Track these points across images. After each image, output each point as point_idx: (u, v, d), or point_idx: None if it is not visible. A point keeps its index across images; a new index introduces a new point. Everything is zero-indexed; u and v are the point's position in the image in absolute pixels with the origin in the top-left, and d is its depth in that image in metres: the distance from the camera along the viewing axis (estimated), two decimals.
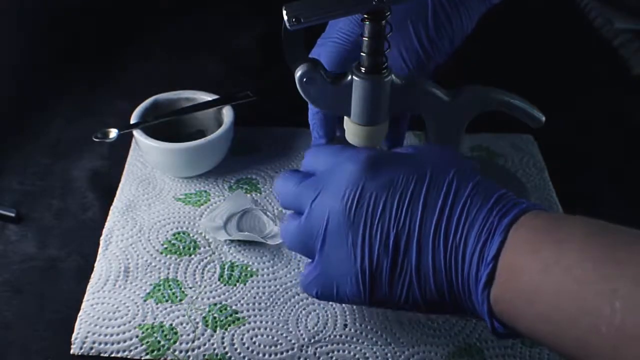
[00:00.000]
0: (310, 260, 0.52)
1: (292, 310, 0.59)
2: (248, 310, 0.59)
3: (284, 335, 0.57)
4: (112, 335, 0.57)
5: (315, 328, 0.58)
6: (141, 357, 0.56)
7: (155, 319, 0.58)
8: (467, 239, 0.45)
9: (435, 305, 0.48)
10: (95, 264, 0.62)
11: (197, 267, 0.62)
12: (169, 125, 0.71)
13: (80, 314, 0.58)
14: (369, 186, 0.48)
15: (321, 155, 0.53)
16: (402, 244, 0.47)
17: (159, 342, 0.56)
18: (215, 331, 0.57)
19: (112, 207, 0.68)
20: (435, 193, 0.47)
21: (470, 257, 0.44)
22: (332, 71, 0.58)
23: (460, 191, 0.46)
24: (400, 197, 0.47)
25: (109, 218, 0.67)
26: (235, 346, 0.56)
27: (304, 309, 0.59)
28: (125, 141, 0.74)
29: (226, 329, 0.57)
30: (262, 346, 0.56)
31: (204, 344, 0.56)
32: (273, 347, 0.56)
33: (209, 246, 0.64)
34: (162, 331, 0.57)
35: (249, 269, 0.62)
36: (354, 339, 0.57)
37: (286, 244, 0.53)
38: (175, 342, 0.56)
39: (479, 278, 0.44)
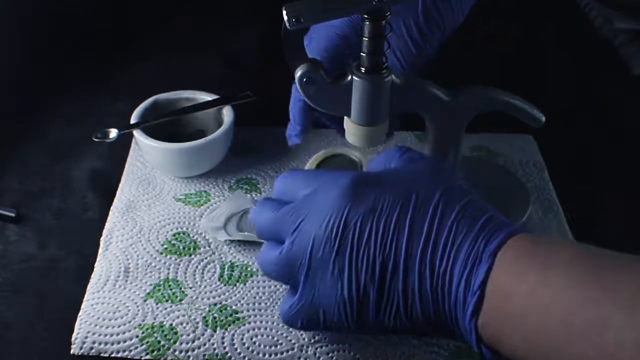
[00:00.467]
0: (289, 291, 0.51)
1: None
2: (248, 310, 0.59)
3: (284, 335, 0.57)
4: (112, 335, 0.57)
5: None
6: (141, 357, 0.56)
7: (155, 319, 0.58)
8: (453, 267, 0.44)
9: (423, 330, 0.47)
10: (95, 264, 0.62)
11: (197, 267, 0.62)
12: (169, 125, 0.71)
13: (80, 314, 0.58)
14: (353, 212, 0.46)
15: (297, 180, 0.52)
16: (388, 271, 0.46)
17: (159, 342, 0.56)
18: (215, 331, 0.57)
19: (112, 207, 0.68)
20: (421, 218, 0.46)
21: (457, 284, 0.44)
22: (329, 70, 0.58)
23: (445, 216, 0.45)
24: (386, 223, 0.46)
25: (109, 218, 0.67)
26: (235, 346, 0.56)
27: None
28: (125, 141, 0.74)
29: (226, 329, 0.57)
30: (262, 346, 0.56)
31: (204, 344, 0.56)
32: (273, 347, 0.56)
33: (209, 246, 0.64)
34: (162, 331, 0.57)
35: (249, 269, 0.62)
36: (354, 339, 0.57)
37: (265, 274, 0.52)
38: (175, 342, 0.56)
39: (467, 306, 0.43)
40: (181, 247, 0.64)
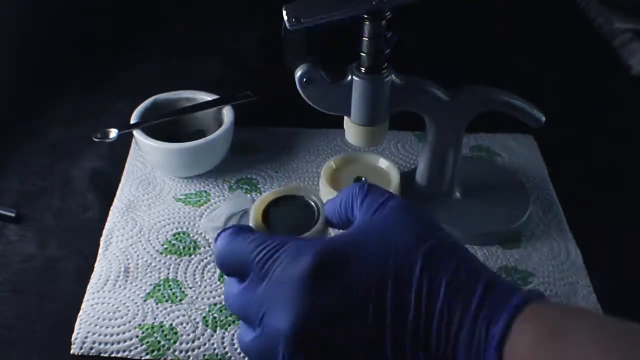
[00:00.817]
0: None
1: None
2: None
3: None
4: (112, 335, 0.57)
5: None
6: (141, 357, 0.56)
7: (155, 319, 0.58)
8: (454, 355, 0.38)
9: None
10: (95, 264, 0.62)
11: (197, 267, 0.62)
12: (169, 125, 0.71)
13: (80, 314, 0.58)
14: (320, 305, 0.39)
15: (242, 250, 0.44)
16: None
17: (159, 342, 0.56)
18: (215, 331, 0.57)
19: (112, 207, 0.68)
20: (402, 302, 0.39)
21: None
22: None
23: (433, 295, 0.39)
24: (363, 314, 0.39)
25: (109, 218, 0.67)
26: (236, 346, 0.56)
27: None
28: (125, 141, 0.74)
29: (226, 329, 0.57)
30: None
31: (204, 344, 0.56)
32: None
33: (209, 246, 0.64)
34: (162, 331, 0.57)
35: None
36: None
37: (246, 355, 0.45)
38: (175, 342, 0.56)
39: None
40: (181, 247, 0.64)
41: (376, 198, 0.44)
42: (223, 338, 0.57)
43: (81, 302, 0.59)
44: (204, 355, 0.56)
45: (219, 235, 0.45)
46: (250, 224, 0.49)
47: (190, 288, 0.60)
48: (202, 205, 0.68)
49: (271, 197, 0.50)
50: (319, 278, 0.40)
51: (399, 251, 0.40)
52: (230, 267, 0.45)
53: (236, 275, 0.44)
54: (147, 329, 0.57)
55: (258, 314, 0.42)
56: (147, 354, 0.56)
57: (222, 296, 0.60)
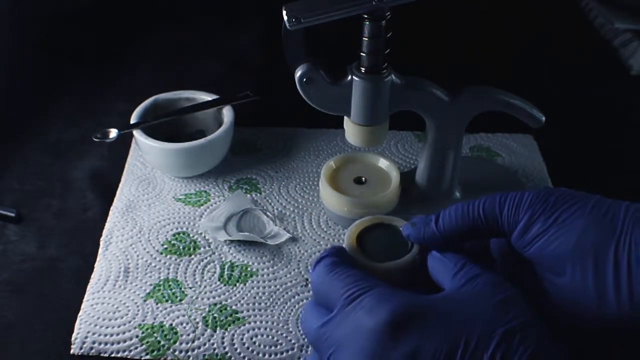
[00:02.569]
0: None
1: (292, 310, 0.59)
2: (248, 310, 0.59)
3: (284, 335, 0.57)
4: (112, 335, 0.57)
5: None
6: (141, 357, 0.56)
7: (155, 319, 0.58)
8: None
9: None
10: (95, 264, 0.62)
11: (197, 267, 0.62)
12: (169, 125, 0.71)
13: (80, 314, 0.58)
14: (388, 357, 0.40)
15: (334, 284, 0.46)
16: None
17: (159, 342, 0.56)
18: (215, 331, 0.57)
19: (112, 207, 0.68)
20: None
21: None
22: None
23: None
24: None
25: (109, 218, 0.67)
26: (235, 346, 0.56)
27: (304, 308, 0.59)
28: (125, 141, 0.74)
29: (226, 329, 0.57)
30: (262, 346, 0.56)
31: (204, 344, 0.56)
32: (273, 347, 0.56)
33: (209, 246, 0.64)
34: (162, 331, 0.57)
35: (249, 269, 0.62)
36: None
37: None
38: (175, 342, 0.56)
39: None
40: (181, 247, 0.64)
41: (471, 272, 0.45)
42: (223, 338, 0.57)
43: (81, 302, 0.59)
44: (204, 355, 0.56)
45: (316, 264, 0.49)
46: (345, 246, 0.52)
47: (190, 288, 0.60)
48: (202, 205, 0.68)
49: (367, 223, 0.54)
50: (391, 333, 0.41)
51: (477, 324, 0.40)
52: (322, 297, 0.47)
53: (324, 305, 0.47)
54: (147, 329, 0.57)
55: (329, 349, 0.43)
56: (147, 354, 0.56)
57: (222, 296, 0.60)
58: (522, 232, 0.45)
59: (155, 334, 0.57)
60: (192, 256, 0.63)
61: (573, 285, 0.43)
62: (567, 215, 0.44)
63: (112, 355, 0.56)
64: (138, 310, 0.58)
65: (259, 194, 0.70)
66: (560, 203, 0.44)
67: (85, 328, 0.57)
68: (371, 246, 0.53)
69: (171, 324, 0.57)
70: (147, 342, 0.56)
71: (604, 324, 0.43)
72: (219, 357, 0.56)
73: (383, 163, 0.68)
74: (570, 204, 0.44)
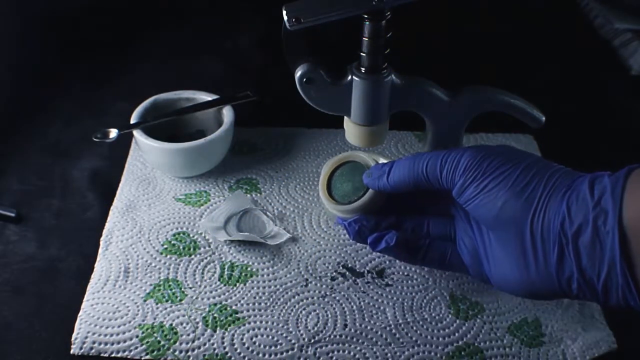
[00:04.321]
0: None
1: (292, 310, 0.59)
2: (248, 310, 0.59)
3: (284, 335, 0.57)
4: (112, 335, 0.57)
5: (315, 328, 0.58)
6: (141, 357, 0.56)
7: (155, 319, 0.58)
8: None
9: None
10: (95, 264, 0.62)
11: (197, 267, 0.62)
12: (169, 125, 0.71)
13: (80, 314, 0.58)
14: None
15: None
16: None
17: (159, 342, 0.56)
18: (215, 331, 0.57)
19: (112, 207, 0.68)
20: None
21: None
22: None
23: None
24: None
25: (109, 218, 0.67)
26: (235, 346, 0.56)
27: (304, 309, 0.59)
28: (125, 141, 0.74)
29: (226, 329, 0.57)
30: (262, 346, 0.56)
31: (204, 344, 0.56)
32: (273, 347, 0.56)
33: (209, 246, 0.64)
34: (162, 331, 0.57)
35: (249, 269, 0.62)
36: (354, 339, 0.57)
37: None
38: (175, 342, 0.56)
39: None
40: (181, 247, 0.64)
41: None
42: (223, 338, 0.57)
43: (81, 302, 0.59)
44: (204, 355, 0.56)
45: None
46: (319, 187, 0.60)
47: (190, 288, 0.60)
48: (202, 205, 0.68)
49: (337, 162, 0.60)
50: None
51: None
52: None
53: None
54: (147, 329, 0.57)
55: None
56: (147, 354, 0.56)
57: (222, 296, 0.60)
58: (458, 194, 0.51)
59: (155, 334, 0.57)
60: (192, 256, 0.63)
61: (500, 248, 0.50)
62: (494, 185, 0.49)
63: (112, 355, 0.56)
64: (138, 310, 0.58)
65: (259, 194, 0.70)
66: (491, 170, 0.49)
67: (85, 328, 0.57)
68: (339, 185, 0.59)
69: (171, 324, 0.57)
70: (147, 342, 0.56)
71: (524, 287, 0.49)
72: (219, 357, 0.56)
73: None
74: (499, 172, 0.49)
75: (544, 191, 0.47)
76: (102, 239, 0.65)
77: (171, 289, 0.60)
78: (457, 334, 0.58)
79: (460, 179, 0.50)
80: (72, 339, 0.56)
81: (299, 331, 0.57)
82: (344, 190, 0.59)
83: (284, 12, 0.53)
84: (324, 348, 0.57)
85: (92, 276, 0.61)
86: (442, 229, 0.57)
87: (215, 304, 0.59)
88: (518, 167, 0.49)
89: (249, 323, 0.58)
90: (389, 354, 0.56)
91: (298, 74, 0.57)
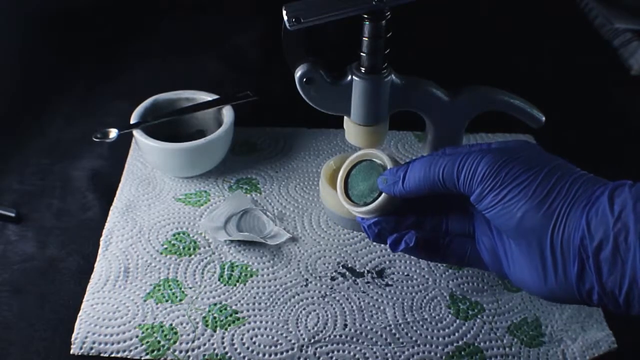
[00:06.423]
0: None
1: (292, 310, 0.59)
2: (248, 310, 0.59)
3: (284, 335, 0.57)
4: (112, 335, 0.57)
5: (315, 328, 0.58)
6: (141, 357, 0.56)
7: (155, 319, 0.58)
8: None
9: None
10: (95, 264, 0.62)
11: (197, 267, 0.62)
12: (169, 125, 0.71)
13: (80, 314, 0.58)
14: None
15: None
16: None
17: (159, 342, 0.56)
18: (215, 331, 0.57)
19: (112, 207, 0.68)
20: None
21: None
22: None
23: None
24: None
25: (109, 218, 0.67)
26: (235, 346, 0.56)
27: (304, 309, 0.59)
28: (125, 141, 0.74)
29: (226, 329, 0.57)
30: (262, 346, 0.57)
31: (204, 344, 0.56)
32: (273, 347, 0.56)
33: (209, 246, 0.64)
34: (162, 331, 0.57)
35: (249, 269, 0.62)
36: (354, 339, 0.57)
37: None
38: (175, 342, 0.56)
39: None
40: (181, 247, 0.64)
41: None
42: (223, 338, 0.57)
43: (81, 302, 0.59)
44: (204, 355, 0.56)
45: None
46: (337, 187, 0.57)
47: (190, 288, 0.60)
48: (202, 205, 0.68)
49: (355, 160, 0.57)
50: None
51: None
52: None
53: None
54: (147, 329, 0.57)
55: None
56: (147, 354, 0.56)
57: (222, 296, 0.60)
58: (476, 201, 0.50)
59: (155, 334, 0.57)
60: (192, 256, 0.63)
61: (520, 254, 0.49)
62: (513, 195, 0.47)
63: (112, 355, 0.56)
64: (138, 310, 0.58)
65: (259, 194, 0.70)
66: (510, 180, 0.48)
67: (85, 328, 0.57)
68: (355, 185, 0.57)
69: (171, 324, 0.57)
70: (147, 342, 0.56)
71: (543, 292, 0.49)
72: (219, 357, 0.56)
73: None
74: (517, 183, 0.48)
75: (564, 203, 0.46)
76: (102, 239, 0.65)
77: (171, 289, 0.60)
78: (457, 334, 0.58)
79: (478, 187, 0.49)
80: (72, 339, 0.56)
81: (299, 331, 0.57)
82: (360, 191, 0.57)
83: (284, 12, 0.53)
84: (324, 348, 0.57)
85: (92, 276, 0.61)
86: (461, 227, 0.56)
87: (215, 304, 0.59)
88: (538, 176, 0.48)
89: (249, 323, 0.58)
90: (389, 354, 0.56)
91: (298, 74, 0.57)
